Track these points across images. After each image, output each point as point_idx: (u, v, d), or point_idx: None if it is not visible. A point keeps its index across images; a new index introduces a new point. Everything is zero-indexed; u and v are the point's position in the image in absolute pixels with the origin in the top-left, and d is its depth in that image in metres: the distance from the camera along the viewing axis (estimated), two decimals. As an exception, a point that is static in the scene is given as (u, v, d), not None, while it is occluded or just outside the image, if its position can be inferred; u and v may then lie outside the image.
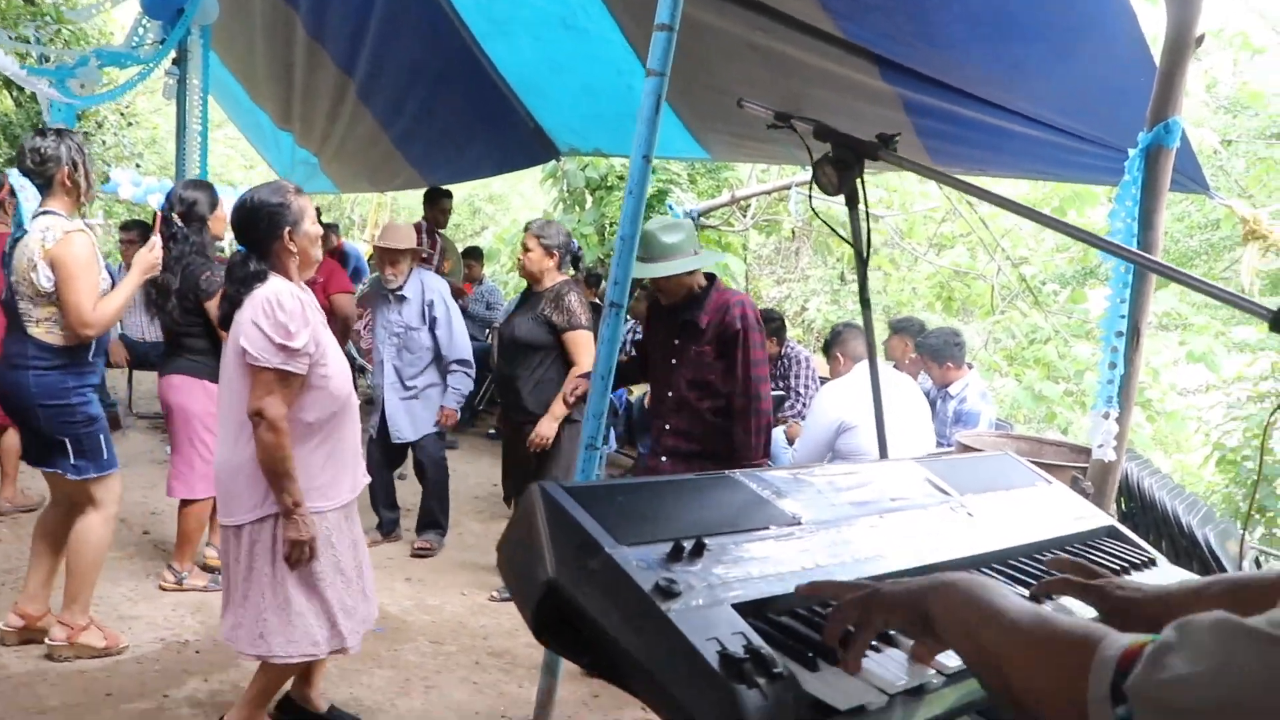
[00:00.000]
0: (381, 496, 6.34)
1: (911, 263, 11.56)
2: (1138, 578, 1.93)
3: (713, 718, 1.16)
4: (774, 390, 7.37)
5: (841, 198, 2.14)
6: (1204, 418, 11.03)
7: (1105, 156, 4.53)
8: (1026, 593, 1.62)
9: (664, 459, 4.72)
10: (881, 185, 10.14)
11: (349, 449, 3.61)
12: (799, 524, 1.60)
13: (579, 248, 8.13)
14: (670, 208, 8.82)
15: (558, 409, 5.32)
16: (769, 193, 9.42)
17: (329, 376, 3.45)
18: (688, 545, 1.39)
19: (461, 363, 6.14)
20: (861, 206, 2.16)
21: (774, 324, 7.47)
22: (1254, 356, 10.45)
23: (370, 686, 4.33)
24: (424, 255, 6.45)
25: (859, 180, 2.07)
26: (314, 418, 3.43)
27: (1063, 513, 2.12)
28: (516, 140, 8.81)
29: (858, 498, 1.77)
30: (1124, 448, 3.89)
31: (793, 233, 11.71)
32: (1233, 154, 10.34)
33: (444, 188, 9.33)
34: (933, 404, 6.38)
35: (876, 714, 1.24)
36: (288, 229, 3.42)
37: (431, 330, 6.08)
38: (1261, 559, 4.90)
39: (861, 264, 2.32)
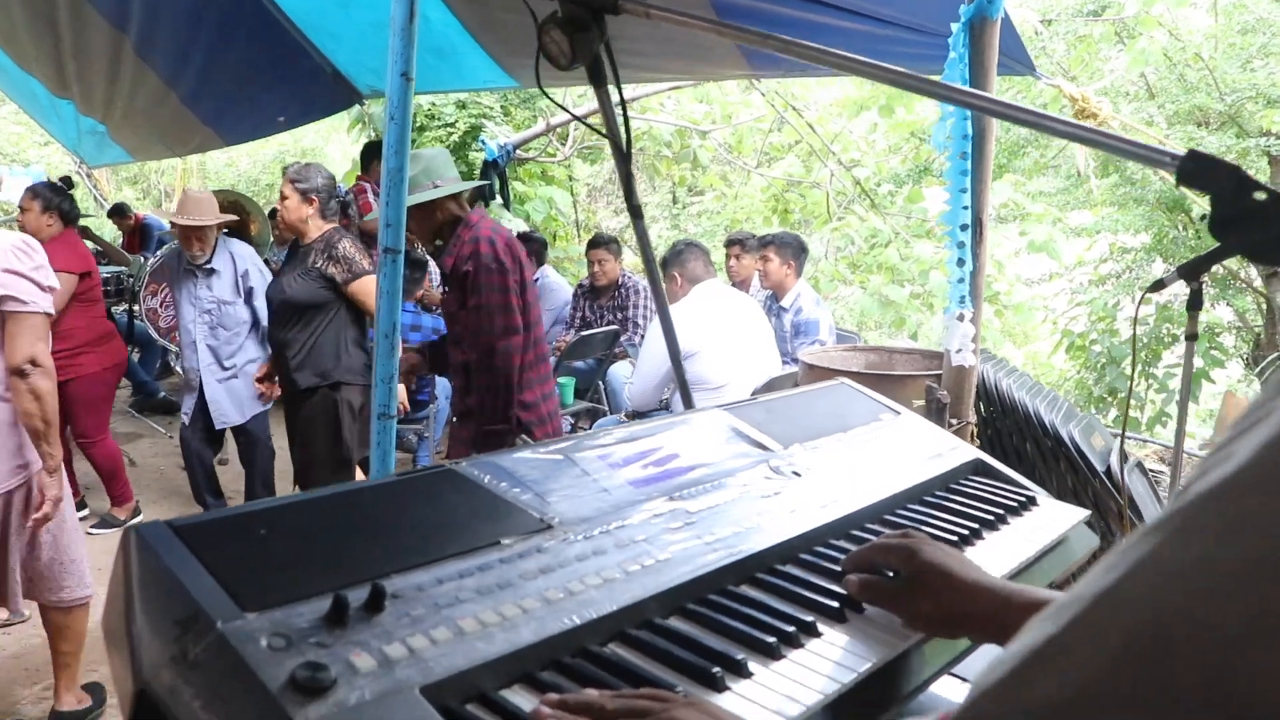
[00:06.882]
0: (205, 485, 5.71)
1: (745, 178, 11.10)
2: (1016, 522, 1.52)
3: None
4: (610, 324, 6.97)
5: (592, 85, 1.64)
6: (1050, 306, 11.01)
7: (923, 43, 4.18)
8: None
9: (455, 420, 4.28)
10: (702, 99, 9.65)
11: None
12: (548, 529, 1.10)
13: (347, 192, 7.48)
14: (483, 142, 8.22)
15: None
16: (585, 117, 8.85)
17: None
18: (355, 597, 0.90)
19: None
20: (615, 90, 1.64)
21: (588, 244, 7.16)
22: (1091, 240, 10.41)
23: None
24: (227, 223, 5.73)
25: (604, 49, 1.55)
26: None
27: (917, 451, 1.66)
28: (316, 87, 8.08)
29: (639, 474, 1.28)
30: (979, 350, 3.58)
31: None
32: (1053, 35, 10.16)
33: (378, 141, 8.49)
34: (765, 322, 6.02)
35: None
36: None
37: (248, 302, 5.56)
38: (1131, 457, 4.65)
39: (622, 160, 1.79)
